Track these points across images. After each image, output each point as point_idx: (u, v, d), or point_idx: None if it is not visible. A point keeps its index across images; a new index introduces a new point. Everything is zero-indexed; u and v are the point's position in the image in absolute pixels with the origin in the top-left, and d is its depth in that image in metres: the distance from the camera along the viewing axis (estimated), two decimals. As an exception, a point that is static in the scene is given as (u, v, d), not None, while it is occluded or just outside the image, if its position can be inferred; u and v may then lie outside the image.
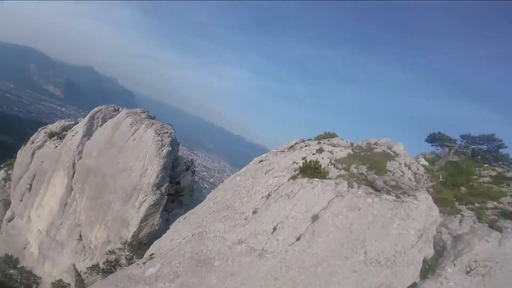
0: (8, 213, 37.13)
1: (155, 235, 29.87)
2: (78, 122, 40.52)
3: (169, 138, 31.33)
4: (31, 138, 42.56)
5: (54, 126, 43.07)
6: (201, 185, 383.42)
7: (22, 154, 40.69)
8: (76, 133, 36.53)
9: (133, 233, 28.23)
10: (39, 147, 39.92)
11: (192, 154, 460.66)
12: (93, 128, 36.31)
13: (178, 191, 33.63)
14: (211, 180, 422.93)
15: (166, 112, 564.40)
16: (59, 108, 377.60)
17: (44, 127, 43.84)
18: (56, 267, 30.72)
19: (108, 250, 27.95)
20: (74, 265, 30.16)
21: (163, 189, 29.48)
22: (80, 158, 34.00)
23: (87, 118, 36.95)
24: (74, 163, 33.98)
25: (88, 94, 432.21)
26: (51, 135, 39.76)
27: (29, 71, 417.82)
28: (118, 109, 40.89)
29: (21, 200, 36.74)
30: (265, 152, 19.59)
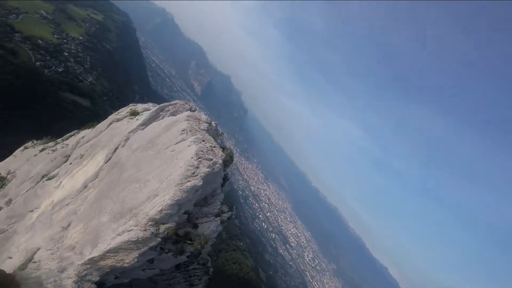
0: (55, 171, 32.96)
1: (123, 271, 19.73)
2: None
3: (209, 169, 20.75)
4: (119, 110, 39.24)
5: (141, 106, 38.76)
6: (257, 214, 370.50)
7: (104, 122, 37.14)
8: (138, 118, 30.48)
9: (93, 257, 18.70)
10: (118, 120, 35.65)
11: (264, 183, 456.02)
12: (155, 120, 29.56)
13: (188, 236, 22.83)
14: (268, 214, 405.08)
15: (263, 136, 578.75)
16: (192, 101, 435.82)
17: (135, 104, 40.51)
18: (24, 244, 23.82)
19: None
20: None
21: (161, 228, 19.14)
22: (123, 146, 27.27)
23: (156, 107, 30.50)
24: (116, 148, 27.55)
25: (217, 99, 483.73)
26: (132, 113, 35.04)
27: (189, 65, 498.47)
28: (195, 110, 33.43)
29: (70, 164, 32.56)
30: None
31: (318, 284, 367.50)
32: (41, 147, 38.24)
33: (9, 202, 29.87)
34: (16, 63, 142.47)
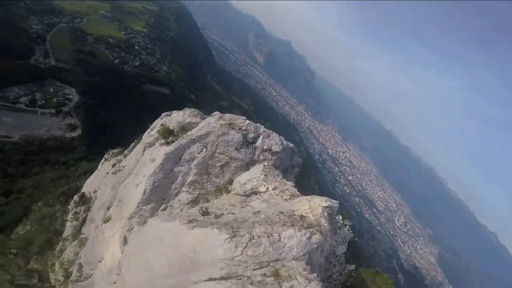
0: (110, 211, 22.49)
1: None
2: (204, 119, 19.21)
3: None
4: (152, 125, 24.64)
5: (174, 120, 22.21)
6: (337, 178, 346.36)
7: (137, 148, 23.41)
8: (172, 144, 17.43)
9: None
10: (150, 144, 20.93)
11: (343, 145, 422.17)
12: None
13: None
14: (350, 177, 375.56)
15: (337, 98, 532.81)
16: (257, 73, 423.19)
17: (168, 113, 24.91)
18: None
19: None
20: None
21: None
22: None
23: (202, 125, 17.69)
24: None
25: (281, 66, 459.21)
26: (163, 133, 19.84)
27: (248, 38, 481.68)
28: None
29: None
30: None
31: (410, 250, 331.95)
32: (113, 161, 31.10)
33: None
34: (97, 64, 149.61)
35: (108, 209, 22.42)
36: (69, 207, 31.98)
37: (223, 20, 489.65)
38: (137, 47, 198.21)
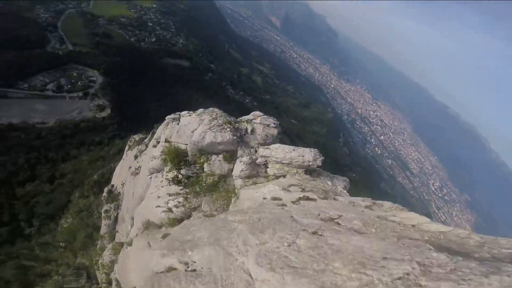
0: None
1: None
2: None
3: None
4: (155, 134, 21.20)
5: (186, 130, 14.41)
6: (368, 138, 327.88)
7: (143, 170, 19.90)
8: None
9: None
10: (156, 170, 15.76)
11: (373, 104, 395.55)
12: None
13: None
14: (382, 137, 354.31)
15: (363, 57, 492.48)
16: (275, 36, 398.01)
17: (176, 116, 18.26)
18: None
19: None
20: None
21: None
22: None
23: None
24: None
25: (299, 27, 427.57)
26: (172, 160, 13.87)
27: (261, 3, 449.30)
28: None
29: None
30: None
31: (445, 216, 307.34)
32: (135, 151, 26.95)
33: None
34: (115, 44, 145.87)
35: (130, 225, 18.33)
36: (102, 199, 29.59)
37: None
38: (150, 24, 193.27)
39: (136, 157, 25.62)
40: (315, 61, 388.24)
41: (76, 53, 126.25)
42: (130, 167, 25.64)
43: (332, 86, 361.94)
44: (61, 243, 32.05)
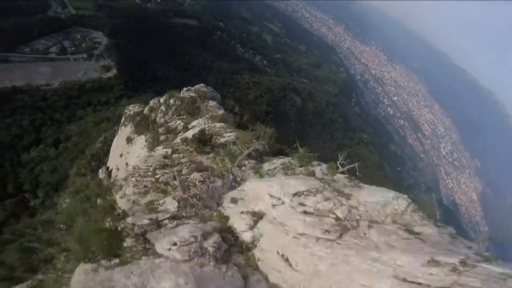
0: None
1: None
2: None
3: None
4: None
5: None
6: (381, 98, 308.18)
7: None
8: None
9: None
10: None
11: (388, 65, 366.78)
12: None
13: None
14: (395, 98, 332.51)
15: (381, 20, 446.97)
16: None
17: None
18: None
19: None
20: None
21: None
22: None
23: None
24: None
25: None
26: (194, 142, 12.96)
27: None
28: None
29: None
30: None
31: (453, 183, 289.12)
32: (130, 128, 24.69)
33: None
34: (119, 6, 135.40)
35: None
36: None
37: None
38: None
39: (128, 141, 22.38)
40: (328, 21, 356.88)
41: (79, 17, 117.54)
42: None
43: (346, 46, 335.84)
44: (61, 225, 28.45)
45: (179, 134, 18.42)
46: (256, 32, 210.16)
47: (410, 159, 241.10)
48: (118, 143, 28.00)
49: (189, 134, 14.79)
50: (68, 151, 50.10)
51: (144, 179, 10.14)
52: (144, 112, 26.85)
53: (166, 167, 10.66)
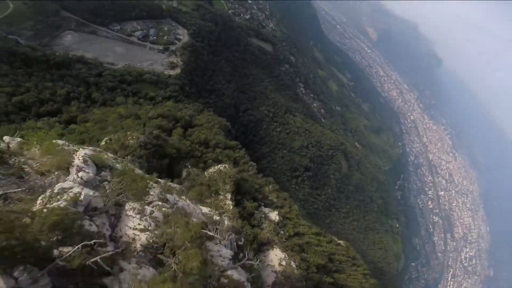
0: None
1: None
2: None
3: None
4: None
5: None
6: (426, 189, 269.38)
7: None
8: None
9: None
10: None
11: (449, 154, 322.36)
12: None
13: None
14: (441, 193, 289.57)
15: (464, 98, 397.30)
16: (366, 48, 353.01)
17: None
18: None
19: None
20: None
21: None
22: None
23: None
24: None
25: (397, 46, 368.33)
26: None
27: (362, 12, 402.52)
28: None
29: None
30: None
31: (452, 286, 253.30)
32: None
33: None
34: (213, 11, 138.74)
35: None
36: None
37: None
38: (250, 1, 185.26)
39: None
40: (402, 85, 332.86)
41: (176, 10, 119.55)
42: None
43: (412, 118, 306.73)
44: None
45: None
46: (323, 76, 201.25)
47: (425, 255, 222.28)
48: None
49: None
50: (69, 138, 44.10)
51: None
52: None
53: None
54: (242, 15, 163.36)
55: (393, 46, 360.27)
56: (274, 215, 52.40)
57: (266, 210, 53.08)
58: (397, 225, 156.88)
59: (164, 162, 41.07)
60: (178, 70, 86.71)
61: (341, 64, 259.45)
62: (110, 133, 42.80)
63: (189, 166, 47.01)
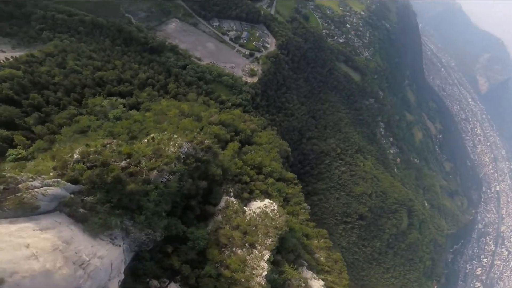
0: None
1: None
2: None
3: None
4: None
5: None
6: (481, 256, 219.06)
7: None
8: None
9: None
10: None
11: None
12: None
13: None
14: (498, 262, 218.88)
15: None
16: (469, 99, 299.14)
17: None
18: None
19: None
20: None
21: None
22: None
23: None
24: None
25: (509, 103, 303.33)
26: None
27: (477, 59, 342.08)
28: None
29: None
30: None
31: None
32: None
33: None
34: (307, 27, 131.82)
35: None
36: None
37: (449, 32, 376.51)
38: (349, 26, 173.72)
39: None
40: (500, 150, 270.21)
41: (272, 18, 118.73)
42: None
43: (498, 188, 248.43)
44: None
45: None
46: (410, 121, 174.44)
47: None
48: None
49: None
50: (120, 124, 41.04)
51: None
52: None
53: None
54: (336, 37, 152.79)
55: (504, 104, 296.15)
56: (317, 285, 40.98)
57: (309, 274, 42.54)
58: (435, 287, 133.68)
59: (202, 185, 33.52)
60: (255, 79, 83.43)
61: (434, 111, 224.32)
62: (163, 129, 38.83)
63: (231, 194, 40.25)
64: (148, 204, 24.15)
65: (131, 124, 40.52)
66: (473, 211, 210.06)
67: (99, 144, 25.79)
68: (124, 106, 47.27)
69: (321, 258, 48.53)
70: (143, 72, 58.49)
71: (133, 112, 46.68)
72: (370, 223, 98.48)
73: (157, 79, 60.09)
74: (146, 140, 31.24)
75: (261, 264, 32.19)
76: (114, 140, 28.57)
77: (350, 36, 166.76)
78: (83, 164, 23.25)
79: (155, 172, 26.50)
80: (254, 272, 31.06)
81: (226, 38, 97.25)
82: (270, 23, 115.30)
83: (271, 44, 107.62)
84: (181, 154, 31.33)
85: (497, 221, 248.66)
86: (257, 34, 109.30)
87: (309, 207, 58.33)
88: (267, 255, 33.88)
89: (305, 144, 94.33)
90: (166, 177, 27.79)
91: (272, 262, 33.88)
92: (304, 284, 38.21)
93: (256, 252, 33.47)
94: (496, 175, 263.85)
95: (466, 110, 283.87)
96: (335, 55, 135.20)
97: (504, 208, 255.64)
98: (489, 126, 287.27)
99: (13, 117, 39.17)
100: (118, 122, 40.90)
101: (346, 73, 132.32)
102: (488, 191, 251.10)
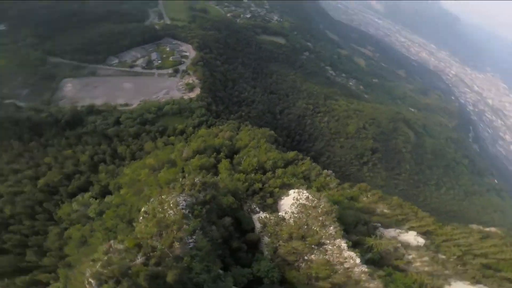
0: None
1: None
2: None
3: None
4: None
5: None
6: (501, 134, 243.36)
7: None
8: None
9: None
10: None
11: (510, 95, 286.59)
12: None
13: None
14: None
15: (496, 44, 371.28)
16: (376, 20, 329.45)
17: None
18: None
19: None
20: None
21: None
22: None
23: None
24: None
25: (407, 12, 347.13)
26: None
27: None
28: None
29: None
30: None
31: None
32: None
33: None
34: (211, 18, 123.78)
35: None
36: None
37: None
38: (246, 0, 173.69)
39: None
40: (429, 45, 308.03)
41: (172, 27, 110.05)
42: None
43: (453, 72, 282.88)
44: None
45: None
46: (346, 55, 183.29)
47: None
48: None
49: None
50: (107, 216, 36.02)
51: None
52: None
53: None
54: (242, 15, 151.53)
55: (403, 13, 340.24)
56: (411, 238, 36.66)
57: (392, 232, 37.80)
58: (495, 180, 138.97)
59: (227, 222, 29.98)
60: (197, 91, 74.76)
61: (359, 39, 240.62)
62: (147, 198, 31.65)
63: (257, 210, 34.65)
64: (201, 276, 21.65)
65: (116, 210, 35.33)
66: (452, 97, 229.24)
67: (101, 253, 22.22)
68: (95, 198, 40.86)
69: (385, 210, 44.56)
70: (81, 153, 46.85)
71: (108, 198, 40.10)
72: (384, 151, 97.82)
73: (102, 151, 48.57)
74: (141, 218, 27.27)
75: (346, 255, 28.05)
76: (112, 241, 24.21)
77: (252, 9, 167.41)
78: (106, 283, 19.84)
79: (176, 245, 22.98)
80: (347, 266, 27.67)
81: (138, 69, 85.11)
82: (174, 32, 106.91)
83: (189, 50, 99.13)
84: (184, 211, 26.61)
85: (479, 98, 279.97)
86: (168, 49, 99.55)
87: (332, 172, 54.22)
88: (343, 243, 29.54)
89: (281, 119, 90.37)
90: (190, 240, 24.11)
91: (353, 245, 30.27)
92: (399, 245, 34.78)
93: (330, 247, 29.02)
94: (442, 63, 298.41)
95: (381, 28, 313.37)
96: (252, 30, 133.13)
97: (474, 85, 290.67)
98: (406, 32, 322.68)
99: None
100: (103, 216, 36.05)
101: (271, 41, 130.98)
102: (447, 77, 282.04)
